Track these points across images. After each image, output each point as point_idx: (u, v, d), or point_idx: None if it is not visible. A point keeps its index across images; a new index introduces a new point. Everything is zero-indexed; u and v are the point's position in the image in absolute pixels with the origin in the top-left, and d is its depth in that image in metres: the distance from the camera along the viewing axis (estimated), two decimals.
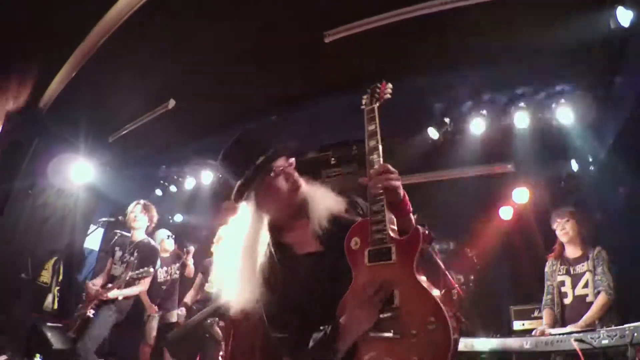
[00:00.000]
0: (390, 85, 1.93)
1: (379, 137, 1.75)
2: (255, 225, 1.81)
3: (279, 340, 1.75)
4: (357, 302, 1.58)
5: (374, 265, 1.61)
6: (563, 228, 4.06)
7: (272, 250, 1.82)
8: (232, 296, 1.79)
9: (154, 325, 5.42)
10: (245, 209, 1.83)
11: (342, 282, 1.66)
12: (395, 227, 1.67)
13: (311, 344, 1.62)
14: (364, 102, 1.90)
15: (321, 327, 1.62)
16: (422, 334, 1.45)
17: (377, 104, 1.86)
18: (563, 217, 4.09)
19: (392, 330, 1.50)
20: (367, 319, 1.54)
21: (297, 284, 1.74)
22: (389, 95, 1.90)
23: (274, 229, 1.85)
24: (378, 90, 1.91)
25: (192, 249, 5.84)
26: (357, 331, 1.56)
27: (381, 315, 1.53)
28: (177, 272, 5.87)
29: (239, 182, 1.76)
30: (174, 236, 6.11)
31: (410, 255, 1.58)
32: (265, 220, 1.85)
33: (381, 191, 1.65)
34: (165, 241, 5.86)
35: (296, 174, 1.82)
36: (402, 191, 1.69)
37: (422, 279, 1.57)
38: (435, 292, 1.53)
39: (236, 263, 1.79)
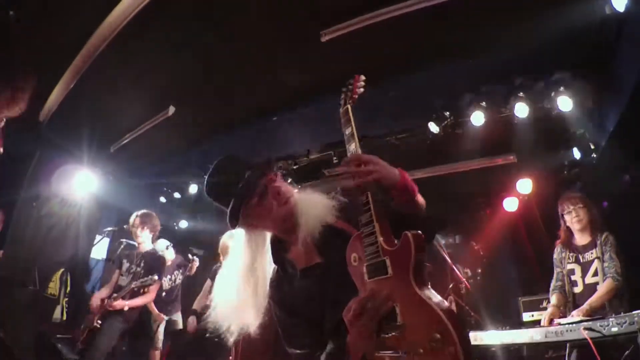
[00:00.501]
0: (362, 77, 1.86)
1: (356, 139, 1.68)
2: (252, 248, 1.80)
3: (296, 357, 1.75)
4: (352, 305, 1.51)
5: (374, 281, 1.53)
6: (577, 215, 3.95)
7: (278, 267, 1.82)
8: (233, 321, 1.80)
9: (162, 330, 5.48)
10: (241, 234, 1.83)
11: (349, 291, 1.59)
12: (391, 236, 1.55)
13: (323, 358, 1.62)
14: (341, 102, 1.81)
15: (330, 343, 1.61)
16: (429, 353, 1.33)
17: (350, 103, 1.78)
18: (576, 204, 3.99)
19: (399, 350, 1.41)
20: (368, 337, 1.47)
21: (305, 298, 1.73)
22: (361, 90, 1.83)
23: (275, 246, 1.84)
24: (350, 86, 1.84)
25: (196, 260, 5.88)
26: (361, 349, 1.50)
27: (387, 335, 1.45)
28: (180, 277, 5.97)
29: (228, 212, 1.74)
30: (172, 244, 6.15)
31: (405, 265, 1.46)
32: (266, 239, 1.84)
33: (366, 199, 1.54)
34: (165, 252, 5.92)
35: (283, 187, 1.77)
36: (391, 173, 1.57)
37: (424, 291, 1.45)
38: (440, 303, 1.42)
39: (235, 288, 1.79)
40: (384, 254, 1.50)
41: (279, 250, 1.83)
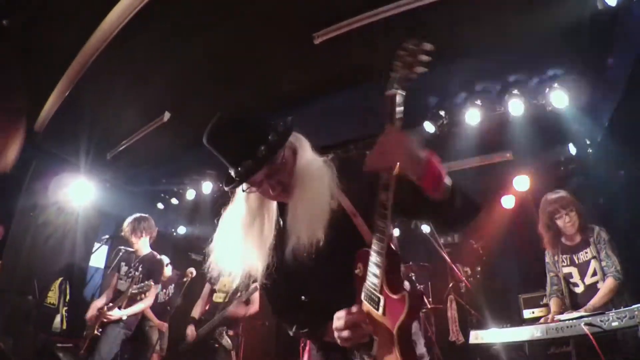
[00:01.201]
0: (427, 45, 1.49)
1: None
2: (252, 206, 1.77)
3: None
4: (343, 318, 1.55)
5: (367, 304, 1.54)
6: (570, 219, 3.86)
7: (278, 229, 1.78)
8: (237, 266, 1.76)
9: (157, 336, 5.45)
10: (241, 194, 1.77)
11: (338, 278, 1.63)
12: (400, 275, 1.51)
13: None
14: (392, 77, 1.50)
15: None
16: None
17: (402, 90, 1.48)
18: (567, 207, 3.89)
19: None
20: (340, 339, 1.56)
21: (295, 267, 1.69)
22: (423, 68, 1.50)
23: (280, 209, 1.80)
24: (409, 59, 1.48)
25: (193, 271, 5.87)
26: (334, 339, 1.59)
27: (358, 353, 1.56)
28: (172, 291, 5.99)
29: (233, 170, 1.65)
30: (169, 256, 6.14)
31: (395, 319, 1.44)
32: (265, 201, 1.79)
33: (381, 225, 1.44)
34: (164, 269, 5.91)
35: (289, 169, 1.68)
36: (415, 163, 1.42)
37: (404, 352, 1.43)
38: None
39: (239, 235, 1.75)
40: (381, 292, 1.48)
41: (283, 213, 1.76)
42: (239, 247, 1.74)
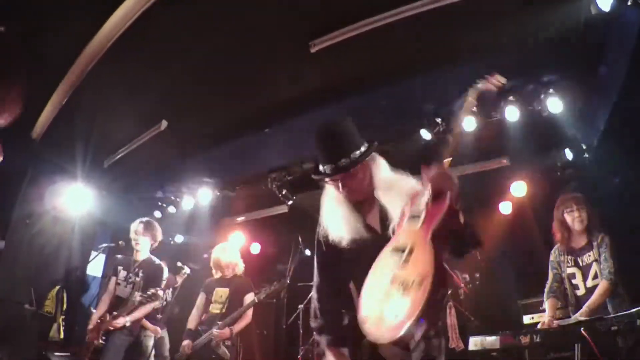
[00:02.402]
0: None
1: None
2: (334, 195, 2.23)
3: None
4: None
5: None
6: (580, 215, 3.91)
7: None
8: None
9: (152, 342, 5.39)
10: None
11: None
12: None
13: None
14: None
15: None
16: None
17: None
18: (579, 204, 3.94)
19: None
20: None
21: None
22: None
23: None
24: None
25: (187, 270, 5.82)
26: None
27: None
28: (170, 296, 5.96)
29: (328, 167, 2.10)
30: (166, 262, 6.12)
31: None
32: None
33: None
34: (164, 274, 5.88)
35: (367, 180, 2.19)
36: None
37: None
38: None
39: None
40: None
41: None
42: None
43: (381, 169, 2.21)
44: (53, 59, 4.22)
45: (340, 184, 2.11)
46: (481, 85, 2.29)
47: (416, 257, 1.77)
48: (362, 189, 2.15)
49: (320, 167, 2.16)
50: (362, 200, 2.18)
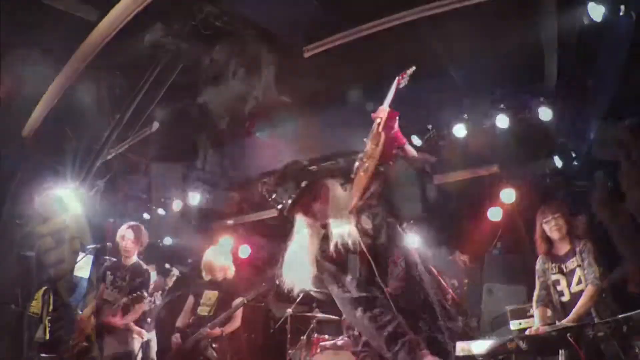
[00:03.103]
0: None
1: None
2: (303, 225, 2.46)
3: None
4: None
5: None
6: (557, 224, 3.92)
7: None
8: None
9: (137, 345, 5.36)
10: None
11: None
12: None
13: None
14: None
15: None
16: None
17: None
18: (555, 213, 3.96)
19: None
20: None
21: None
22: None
23: None
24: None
25: (176, 272, 5.79)
26: None
27: None
28: (159, 299, 5.94)
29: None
30: (154, 264, 6.08)
31: None
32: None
33: None
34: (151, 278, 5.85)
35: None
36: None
37: None
38: None
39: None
40: None
41: None
42: None
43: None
44: (46, 57, 4.20)
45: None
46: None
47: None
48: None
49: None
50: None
